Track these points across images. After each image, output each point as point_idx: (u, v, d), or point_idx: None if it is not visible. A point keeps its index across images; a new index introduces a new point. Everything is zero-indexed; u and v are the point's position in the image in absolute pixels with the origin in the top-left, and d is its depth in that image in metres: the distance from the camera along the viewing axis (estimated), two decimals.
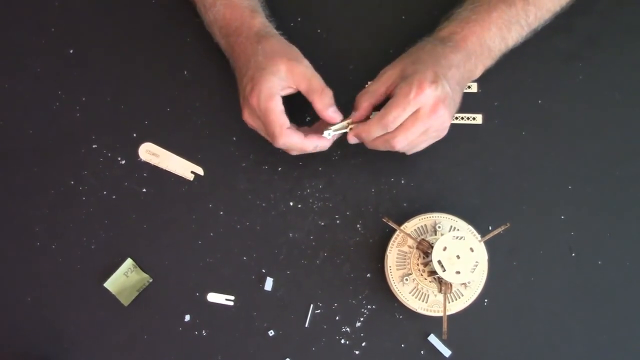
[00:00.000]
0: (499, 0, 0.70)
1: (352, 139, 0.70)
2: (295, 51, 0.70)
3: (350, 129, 0.70)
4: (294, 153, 0.71)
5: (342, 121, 0.70)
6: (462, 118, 0.77)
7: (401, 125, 0.67)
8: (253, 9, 0.72)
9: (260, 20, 0.71)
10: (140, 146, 0.77)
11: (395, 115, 0.66)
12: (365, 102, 0.69)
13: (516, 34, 0.71)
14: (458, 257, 0.67)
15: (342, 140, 0.77)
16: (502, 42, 0.70)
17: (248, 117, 0.70)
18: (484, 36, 0.69)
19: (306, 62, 0.69)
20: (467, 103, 0.77)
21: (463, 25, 0.70)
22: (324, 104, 0.69)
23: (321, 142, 0.70)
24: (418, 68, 0.67)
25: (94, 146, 0.77)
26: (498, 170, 0.76)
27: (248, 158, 0.77)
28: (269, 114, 0.67)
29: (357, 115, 0.69)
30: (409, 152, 0.71)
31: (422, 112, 0.66)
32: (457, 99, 0.69)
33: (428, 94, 0.65)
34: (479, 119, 0.77)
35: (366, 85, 0.71)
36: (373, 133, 0.68)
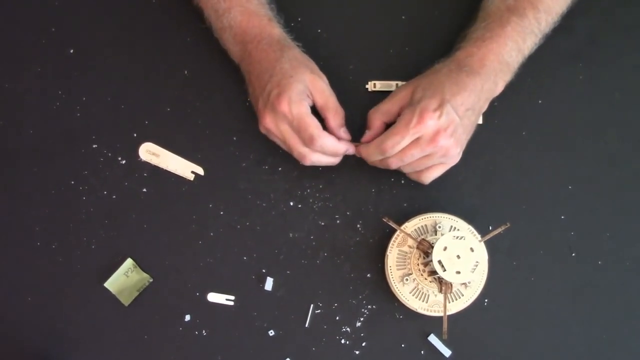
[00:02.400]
0: (511, 13, 0.70)
1: (357, 154, 0.73)
2: (315, 65, 0.71)
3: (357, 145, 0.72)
4: (322, 161, 0.71)
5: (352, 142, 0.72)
6: None
7: (406, 148, 0.68)
8: (271, 17, 0.72)
9: (280, 30, 0.72)
10: (141, 146, 0.77)
11: (394, 142, 0.67)
12: (377, 120, 0.71)
13: (531, 42, 0.71)
14: (458, 257, 0.67)
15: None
16: (519, 54, 0.70)
17: (271, 124, 0.68)
18: (501, 52, 0.69)
19: (325, 79, 0.71)
20: None
21: (480, 45, 0.69)
22: (337, 123, 0.70)
23: (351, 147, 0.71)
24: (425, 94, 0.67)
25: (94, 146, 0.77)
26: (498, 170, 0.76)
27: (248, 158, 0.77)
28: (304, 117, 0.67)
29: (370, 134, 0.72)
30: (425, 181, 0.72)
31: (422, 140, 0.67)
32: (469, 124, 0.69)
33: (429, 125, 0.66)
34: (479, 119, 0.77)
35: (380, 103, 0.72)
36: (372, 157, 0.70)
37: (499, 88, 0.71)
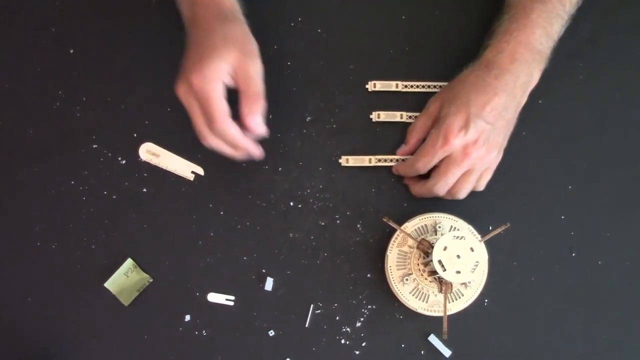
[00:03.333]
0: (533, 1, 0.69)
1: (395, 171, 0.76)
2: (252, 45, 0.67)
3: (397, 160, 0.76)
4: (222, 149, 0.68)
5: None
6: None
7: (437, 172, 0.70)
8: None
9: (233, 2, 0.69)
10: (141, 146, 0.77)
11: (425, 162, 0.70)
12: (413, 138, 0.74)
13: (558, 26, 0.70)
14: (458, 257, 0.67)
15: (341, 141, 0.77)
16: (548, 39, 0.70)
17: (182, 94, 0.66)
18: (531, 42, 0.69)
19: (257, 63, 0.66)
20: None
21: (508, 39, 0.69)
22: (249, 110, 0.66)
23: (257, 151, 0.69)
24: (450, 111, 0.68)
25: (94, 146, 0.77)
26: (498, 170, 0.76)
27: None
28: (211, 97, 0.64)
29: (404, 149, 0.75)
30: (480, 189, 0.73)
31: (453, 158, 0.68)
32: (504, 124, 0.69)
33: (455, 144, 0.67)
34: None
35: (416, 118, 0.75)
36: (408, 172, 0.73)
37: (535, 78, 0.70)
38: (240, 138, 0.67)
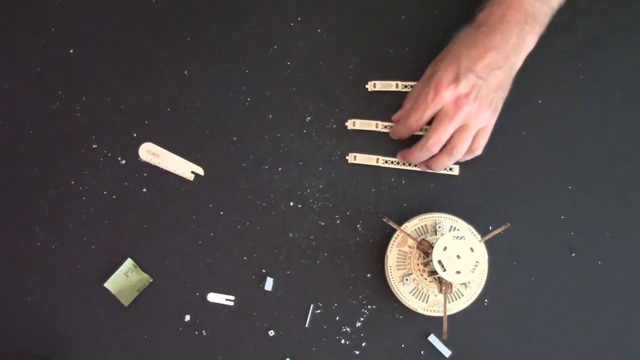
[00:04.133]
0: None
1: (392, 135, 0.76)
2: None
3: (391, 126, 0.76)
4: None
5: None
6: None
7: (430, 128, 0.69)
8: None
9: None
10: (140, 146, 0.77)
11: (417, 117, 0.69)
12: (407, 103, 0.74)
13: None
14: (458, 257, 0.67)
15: (342, 141, 0.77)
16: (543, 5, 0.69)
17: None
18: (523, 5, 0.68)
19: None
20: None
21: (499, 2, 0.69)
22: None
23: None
24: (441, 67, 0.68)
25: (94, 146, 0.77)
26: (498, 170, 0.76)
27: (248, 158, 0.77)
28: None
29: (399, 113, 0.75)
30: (477, 152, 0.72)
31: (445, 111, 0.68)
32: (497, 82, 0.69)
33: (446, 95, 0.67)
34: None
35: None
36: (401, 134, 0.73)
37: (529, 42, 0.70)
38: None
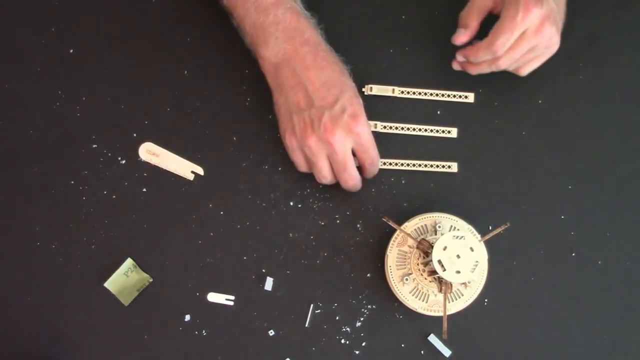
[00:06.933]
0: None
1: (456, 66, 0.74)
2: None
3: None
4: (349, 184, 0.72)
5: None
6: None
7: (513, 45, 0.68)
8: (315, 26, 0.72)
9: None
10: (140, 146, 0.77)
11: (504, 40, 0.67)
12: (473, 20, 0.71)
13: None
14: (458, 256, 0.67)
15: None
16: None
17: (339, 141, 0.68)
18: None
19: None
20: (467, 103, 0.77)
21: None
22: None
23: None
24: None
25: (94, 146, 0.77)
26: (498, 170, 0.76)
27: (248, 158, 0.77)
28: (372, 141, 0.70)
29: (467, 33, 0.71)
30: (523, 73, 0.72)
31: (528, 32, 0.67)
32: (562, 11, 0.69)
33: (535, 14, 0.65)
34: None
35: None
36: (481, 57, 0.69)
37: None
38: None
